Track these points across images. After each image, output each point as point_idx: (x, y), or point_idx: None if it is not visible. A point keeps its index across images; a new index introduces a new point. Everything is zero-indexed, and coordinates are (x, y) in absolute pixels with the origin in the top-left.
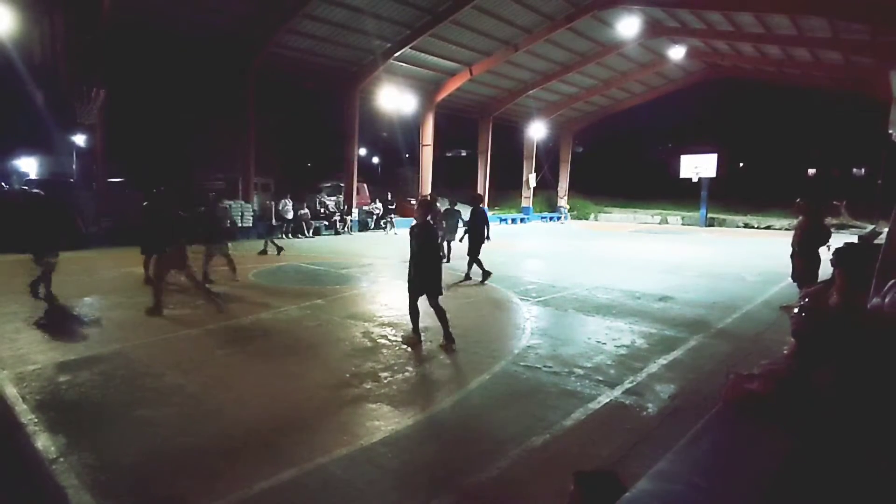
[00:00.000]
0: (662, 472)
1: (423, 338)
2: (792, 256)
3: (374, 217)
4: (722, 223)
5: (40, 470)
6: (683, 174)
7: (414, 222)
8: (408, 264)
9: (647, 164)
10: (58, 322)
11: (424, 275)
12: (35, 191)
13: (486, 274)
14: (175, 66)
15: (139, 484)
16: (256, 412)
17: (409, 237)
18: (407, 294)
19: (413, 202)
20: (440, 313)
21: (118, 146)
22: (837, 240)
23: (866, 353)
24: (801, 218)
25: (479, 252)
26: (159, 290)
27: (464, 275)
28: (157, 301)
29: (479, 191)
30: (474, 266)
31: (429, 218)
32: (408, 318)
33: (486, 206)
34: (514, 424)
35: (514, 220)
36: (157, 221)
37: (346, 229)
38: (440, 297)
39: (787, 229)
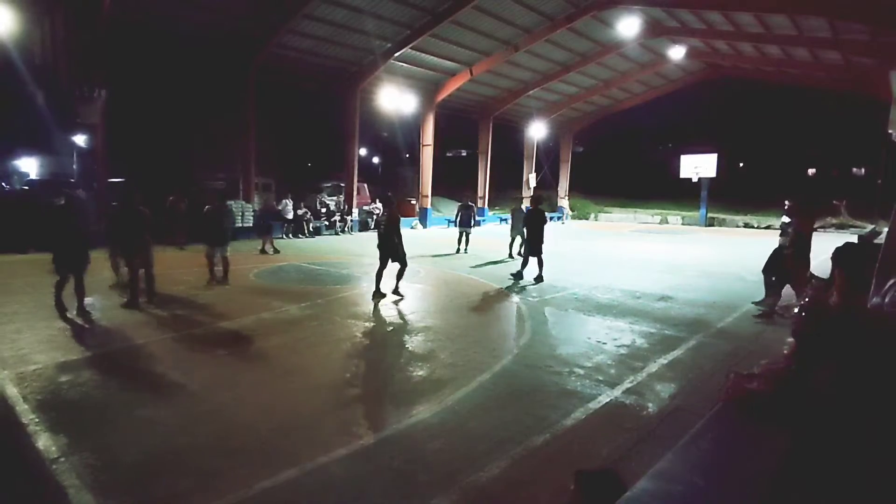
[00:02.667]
0: (662, 471)
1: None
2: (784, 258)
3: (375, 217)
4: (722, 223)
5: (41, 470)
6: (683, 174)
7: (383, 214)
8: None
9: (647, 164)
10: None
11: (388, 249)
12: (68, 192)
13: (536, 276)
14: (176, 65)
15: (140, 483)
16: (257, 412)
17: (378, 224)
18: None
19: (413, 202)
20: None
21: (119, 146)
22: (838, 240)
23: (866, 353)
24: (793, 219)
25: (539, 252)
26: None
27: (517, 275)
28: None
29: (479, 191)
30: (526, 266)
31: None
32: (407, 315)
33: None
34: (514, 424)
35: None
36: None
37: (346, 229)
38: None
39: None
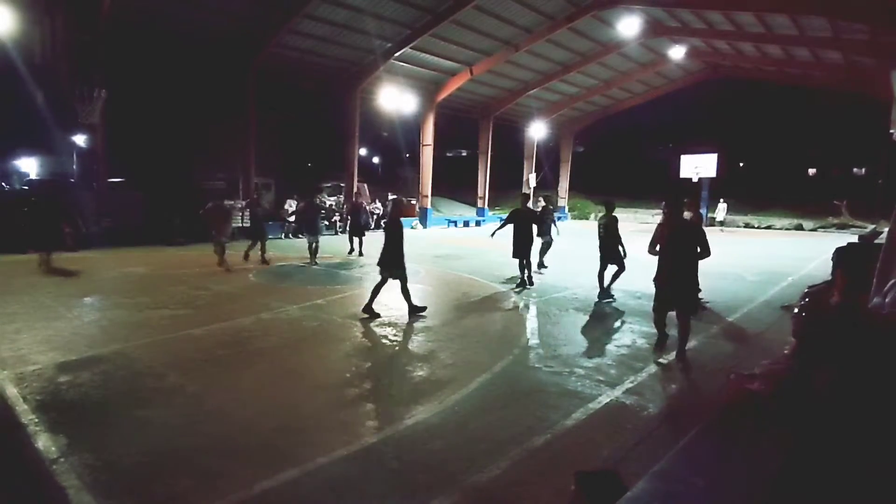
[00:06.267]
0: (662, 472)
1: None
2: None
3: (375, 217)
4: (722, 223)
5: (41, 470)
6: (684, 174)
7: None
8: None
9: (648, 164)
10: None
11: (610, 253)
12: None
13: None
14: (176, 65)
15: (140, 484)
16: (257, 412)
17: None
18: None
19: (413, 202)
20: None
21: (119, 146)
22: (839, 240)
23: (866, 353)
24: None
25: (527, 254)
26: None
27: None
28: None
29: (479, 191)
30: (533, 267)
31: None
32: (407, 315)
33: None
34: (514, 424)
35: None
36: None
37: (346, 229)
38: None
39: (787, 229)
